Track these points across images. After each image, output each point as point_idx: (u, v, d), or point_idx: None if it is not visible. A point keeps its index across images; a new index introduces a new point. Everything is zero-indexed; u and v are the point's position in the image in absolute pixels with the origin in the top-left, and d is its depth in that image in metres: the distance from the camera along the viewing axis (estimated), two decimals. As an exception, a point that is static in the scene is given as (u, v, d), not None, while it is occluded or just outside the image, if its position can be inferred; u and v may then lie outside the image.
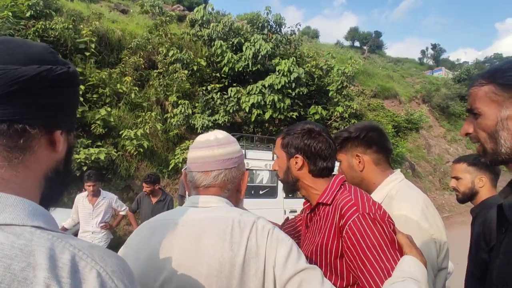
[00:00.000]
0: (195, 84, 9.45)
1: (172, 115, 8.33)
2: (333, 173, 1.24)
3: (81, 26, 8.24)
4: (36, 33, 7.23)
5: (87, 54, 7.86)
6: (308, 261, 1.08)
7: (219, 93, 8.88)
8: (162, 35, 9.71)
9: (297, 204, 5.16)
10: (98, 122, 6.86)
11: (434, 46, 33.96)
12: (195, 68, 9.20)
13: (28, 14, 7.51)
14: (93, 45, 7.98)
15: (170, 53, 8.80)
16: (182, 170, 1.01)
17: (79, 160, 6.00)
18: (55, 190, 0.54)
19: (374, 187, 1.30)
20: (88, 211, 3.83)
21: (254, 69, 9.41)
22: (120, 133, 7.15)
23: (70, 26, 7.72)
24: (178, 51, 8.92)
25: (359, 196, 1.04)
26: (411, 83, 21.83)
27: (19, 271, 0.39)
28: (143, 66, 8.88)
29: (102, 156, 6.30)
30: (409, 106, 16.80)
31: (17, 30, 7.17)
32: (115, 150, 6.97)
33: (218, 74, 9.89)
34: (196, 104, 8.87)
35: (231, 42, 9.94)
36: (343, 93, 10.20)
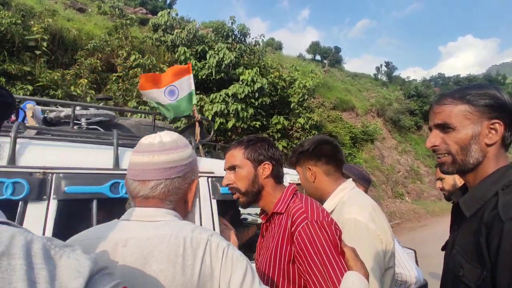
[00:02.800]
0: (157, 89, 9.18)
1: (131, 120, 7.99)
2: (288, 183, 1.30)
3: (32, 22, 7.66)
4: (-22, 27, 6.60)
5: (38, 52, 7.31)
6: (264, 267, 1.13)
7: (181, 100, 8.70)
8: (122, 37, 9.35)
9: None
10: (48, 126, 6.38)
11: (387, 64, 36.45)
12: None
13: (-31, 6, 6.85)
14: (44, 43, 7.43)
15: (132, 58, 8.48)
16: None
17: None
18: None
19: (327, 196, 1.40)
20: None
21: (217, 77, 9.39)
22: (73, 138, 6.70)
23: (19, 21, 7.14)
24: (140, 55, 8.64)
25: (309, 205, 1.11)
26: (367, 97, 23.14)
27: None
28: (100, 69, 8.44)
29: (51, 163, 5.83)
30: (365, 118, 17.78)
31: (-45, 22, 6.50)
32: (66, 157, 6.50)
33: (181, 81, 9.71)
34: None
35: (195, 49, 9.84)
36: (304, 105, 10.52)
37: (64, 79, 7.30)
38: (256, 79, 9.06)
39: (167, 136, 0.85)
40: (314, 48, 33.55)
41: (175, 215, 0.81)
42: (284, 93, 10.84)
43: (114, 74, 8.69)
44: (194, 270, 0.71)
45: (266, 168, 1.19)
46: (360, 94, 23.12)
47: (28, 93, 6.41)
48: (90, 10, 12.41)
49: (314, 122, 10.65)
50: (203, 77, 9.35)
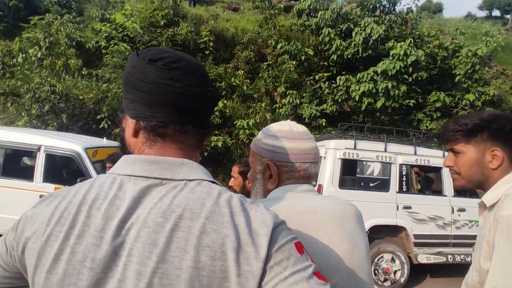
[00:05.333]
0: (303, 74, 9.50)
1: (280, 105, 8.62)
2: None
3: (201, 28, 9.26)
4: (168, 40, 8.48)
5: (207, 52, 8.81)
6: None
7: (327, 82, 8.72)
8: (271, 28, 10.06)
9: (411, 200, 4.69)
10: (216, 113, 7.66)
11: None
12: (302, 58, 9.23)
13: (162, 23, 8.87)
14: (211, 44, 8.88)
15: (279, 46, 9.05)
16: (265, 161, 0.92)
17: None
18: None
19: (489, 186, 1.13)
20: None
21: (364, 55, 8.86)
22: (234, 123, 7.83)
23: (192, 29, 8.76)
24: (286, 42, 9.10)
25: None
26: None
27: (210, 206, 0.55)
28: (253, 60, 9.41)
29: (219, 144, 7.04)
30: None
31: (155, 37, 8.57)
32: (230, 138, 7.68)
33: (325, 63, 9.70)
34: (304, 94, 8.94)
35: (339, 29, 9.56)
36: (474, 77, 8.64)
37: (226, 72, 8.55)
38: (410, 52, 8.05)
39: (299, 127, 0.95)
40: (490, 1, 26.60)
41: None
42: (445, 64, 9.20)
43: (265, 63, 9.52)
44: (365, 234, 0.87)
45: None
46: None
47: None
48: (242, 8, 13.86)
49: (490, 97, 8.64)
50: (349, 56, 9.03)
